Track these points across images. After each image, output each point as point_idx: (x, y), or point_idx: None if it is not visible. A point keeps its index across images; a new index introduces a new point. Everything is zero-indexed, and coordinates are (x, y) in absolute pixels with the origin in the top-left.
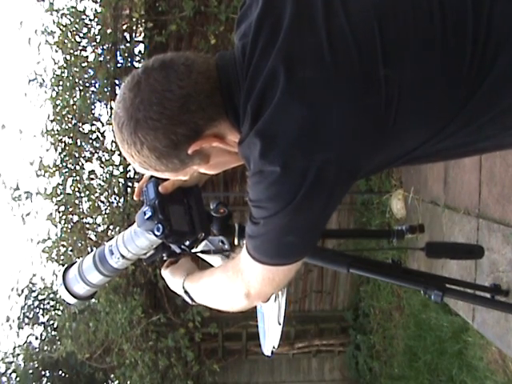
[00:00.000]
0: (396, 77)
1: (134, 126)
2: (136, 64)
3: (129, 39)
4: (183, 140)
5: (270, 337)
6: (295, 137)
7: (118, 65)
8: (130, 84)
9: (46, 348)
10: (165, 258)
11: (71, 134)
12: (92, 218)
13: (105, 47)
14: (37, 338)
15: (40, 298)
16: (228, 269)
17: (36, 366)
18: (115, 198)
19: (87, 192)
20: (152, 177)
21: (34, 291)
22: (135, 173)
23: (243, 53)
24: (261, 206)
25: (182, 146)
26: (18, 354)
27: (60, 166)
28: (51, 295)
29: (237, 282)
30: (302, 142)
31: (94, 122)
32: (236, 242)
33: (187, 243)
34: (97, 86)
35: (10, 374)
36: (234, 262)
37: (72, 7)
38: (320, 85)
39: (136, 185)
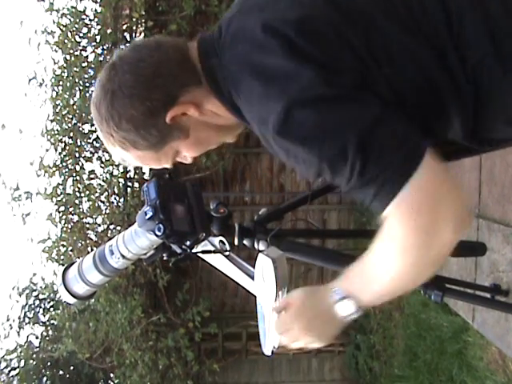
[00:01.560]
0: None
1: (111, 98)
2: None
3: (129, 39)
4: (159, 106)
5: (270, 337)
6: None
7: None
8: (105, 68)
9: (46, 347)
10: (165, 258)
11: (71, 134)
12: (92, 217)
13: (105, 47)
14: (37, 338)
15: (40, 297)
16: (390, 235)
17: (36, 365)
18: (115, 198)
19: (87, 192)
20: (153, 176)
21: (35, 290)
22: (135, 173)
23: (220, 26)
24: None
25: (159, 113)
26: (19, 354)
27: (60, 165)
28: (51, 295)
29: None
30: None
31: (94, 122)
32: (236, 241)
33: (188, 243)
34: None
35: (9, 371)
36: (388, 229)
37: (72, 7)
38: None
39: (136, 185)
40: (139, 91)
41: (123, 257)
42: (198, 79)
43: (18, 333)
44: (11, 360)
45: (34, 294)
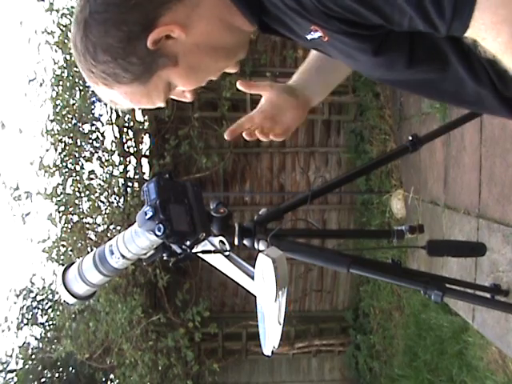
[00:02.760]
0: None
1: (84, 28)
2: None
3: None
4: (137, 30)
5: (270, 337)
6: None
7: None
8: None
9: (45, 348)
10: (165, 258)
11: (71, 134)
12: (92, 217)
13: None
14: (36, 339)
15: (39, 298)
16: None
17: (35, 366)
18: (115, 198)
19: (87, 192)
20: (153, 176)
21: (33, 291)
22: (135, 173)
23: None
24: None
25: (138, 38)
26: (17, 355)
27: (60, 165)
28: (50, 296)
29: None
30: None
31: (94, 122)
32: (236, 241)
33: (188, 243)
34: None
35: (7, 373)
36: None
37: (72, 7)
38: None
39: (136, 185)
40: (113, 15)
41: (123, 257)
42: None
43: (16, 334)
44: (9, 363)
45: (32, 295)
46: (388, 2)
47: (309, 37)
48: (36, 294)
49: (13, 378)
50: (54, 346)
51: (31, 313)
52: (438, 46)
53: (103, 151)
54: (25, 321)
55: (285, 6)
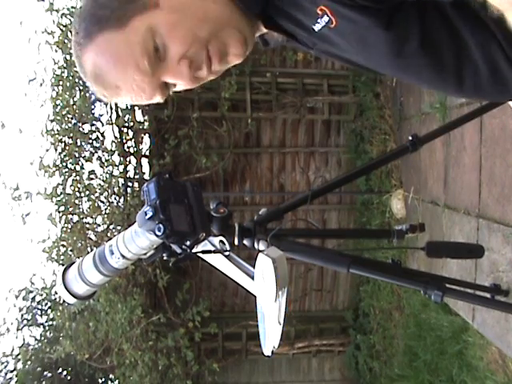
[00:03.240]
0: None
1: None
2: None
3: None
4: None
5: (270, 337)
6: None
7: None
8: None
9: (45, 349)
10: (165, 258)
11: (71, 134)
12: (92, 217)
13: None
14: (36, 339)
15: (38, 299)
16: None
17: (35, 366)
18: (115, 198)
19: (87, 192)
20: (153, 176)
21: (32, 292)
22: (135, 173)
23: None
24: None
25: None
26: (17, 355)
27: (60, 165)
28: (49, 296)
29: None
30: None
31: (94, 122)
32: (236, 241)
33: (188, 243)
34: None
35: (7, 373)
36: None
37: (72, 7)
38: None
39: (136, 185)
40: None
41: (123, 257)
42: None
43: (16, 335)
44: (8, 363)
45: (32, 295)
46: None
47: (316, 27)
48: (35, 295)
49: (12, 378)
50: (53, 347)
51: (31, 313)
52: (450, 21)
53: (103, 151)
54: (24, 321)
55: None
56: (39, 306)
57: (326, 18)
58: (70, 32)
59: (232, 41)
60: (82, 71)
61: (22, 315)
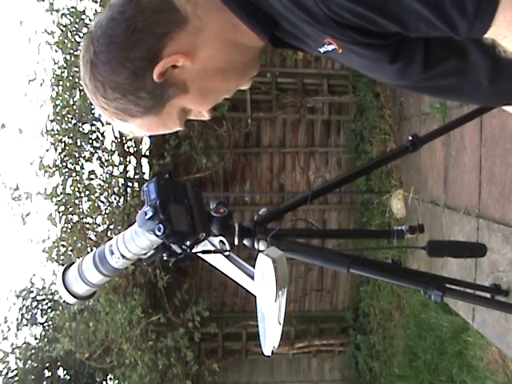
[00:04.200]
0: None
1: (91, 69)
2: None
3: None
4: (142, 66)
5: (270, 337)
6: None
7: None
8: (84, 37)
9: (45, 348)
10: (165, 258)
11: (71, 134)
12: (92, 217)
13: None
14: (36, 339)
15: (38, 298)
16: None
17: (35, 366)
18: (115, 198)
19: (87, 192)
20: (153, 176)
21: (32, 292)
22: (135, 173)
23: None
24: None
25: (144, 73)
26: (17, 355)
27: (60, 165)
28: (49, 296)
29: None
30: None
31: (94, 122)
32: (236, 241)
33: (188, 243)
34: None
35: (7, 373)
36: None
37: (72, 7)
38: None
39: (136, 185)
40: (116, 54)
41: (123, 257)
42: (183, 18)
43: (16, 334)
44: (9, 362)
45: (32, 295)
46: (403, 6)
47: (322, 49)
48: (36, 294)
49: (13, 377)
50: (53, 346)
51: (31, 313)
52: (459, 46)
53: (103, 151)
54: (24, 321)
55: (297, 19)
56: (40, 306)
57: (332, 46)
58: (70, 32)
59: (246, 83)
60: (108, 119)
61: (23, 314)
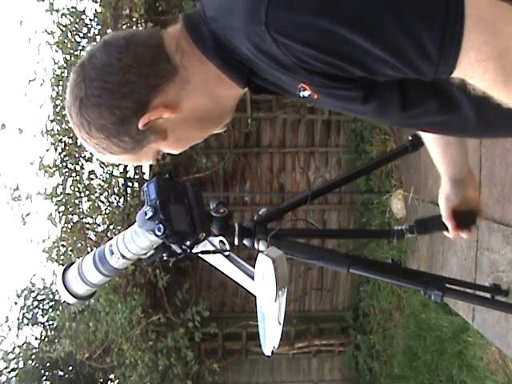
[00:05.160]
0: None
1: (79, 106)
2: None
3: None
4: (129, 114)
5: (270, 337)
6: None
7: None
8: (75, 68)
9: (45, 348)
10: (165, 258)
11: (71, 134)
12: (92, 218)
13: None
14: (36, 339)
15: (39, 298)
16: None
17: (36, 366)
18: (115, 198)
19: (87, 192)
20: (153, 176)
21: (33, 291)
22: (135, 173)
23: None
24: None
25: (130, 121)
26: (18, 354)
27: (60, 165)
28: (50, 295)
29: None
30: None
31: None
32: (236, 241)
33: (188, 243)
34: None
35: (9, 372)
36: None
37: (72, 7)
38: None
39: (136, 185)
40: (106, 100)
41: (123, 257)
42: (173, 69)
43: (17, 334)
44: (10, 361)
45: (33, 295)
46: (368, 54)
47: (301, 94)
48: (37, 294)
49: (13, 377)
50: (54, 346)
51: (31, 312)
52: (436, 84)
53: None
54: (25, 321)
55: (271, 68)
56: (40, 306)
57: (307, 92)
58: (70, 32)
59: (220, 129)
60: (86, 147)
61: (24, 314)
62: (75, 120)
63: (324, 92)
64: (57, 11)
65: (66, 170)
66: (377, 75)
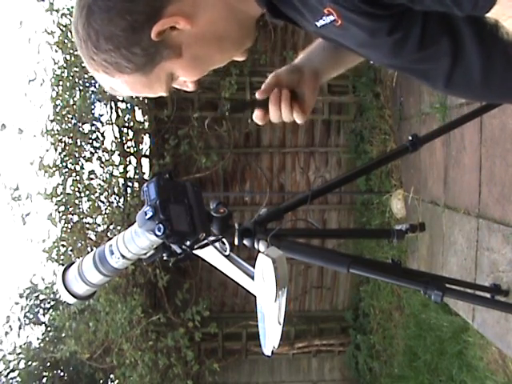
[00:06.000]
0: None
1: (86, 14)
2: None
3: None
4: (141, 20)
5: (270, 337)
6: None
7: None
8: None
9: (47, 348)
10: (165, 258)
11: (71, 134)
12: (92, 217)
13: None
14: (38, 339)
15: (40, 298)
16: None
17: (37, 366)
18: (115, 198)
19: (87, 192)
20: (153, 176)
21: (35, 291)
22: (135, 173)
23: None
24: None
25: (142, 29)
26: (19, 354)
27: (60, 165)
28: (51, 295)
29: None
30: None
31: (94, 122)
32: (236, 242)
33: (188, 243)
34: (97, 85)
35: (9, 373)
36: None
37: (72, 7)
38: None
39: (136, 185)
40: (117, 3)
41: (123, 257)
42: None
43: (18, 334)
44: (10, 362)
45: (34, 294)
46: None
47: (319, 23)
48: (38, 294)
49: (15, 377)
50: (56, 346)
51: (33, 312)
52: (454, 26)
53: (103, 151)
54: (27, 320)
55: None
56: (42, 305)
57: (331, 17)
58: (70, 32)
59: (240, 55)
60: (91, 71)
61: (25, 314)
62: (81, 33)
63: (351, 19)
64: (57, 11)
65: (66, 170)
66: (415, 3)
